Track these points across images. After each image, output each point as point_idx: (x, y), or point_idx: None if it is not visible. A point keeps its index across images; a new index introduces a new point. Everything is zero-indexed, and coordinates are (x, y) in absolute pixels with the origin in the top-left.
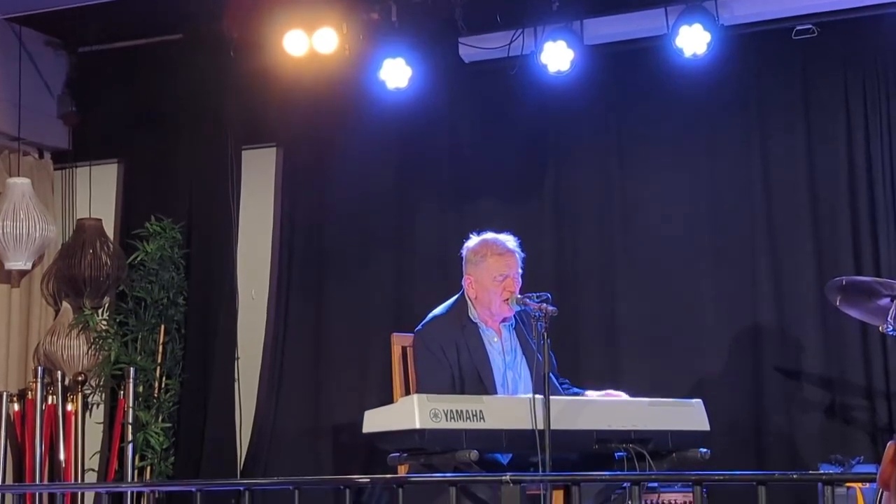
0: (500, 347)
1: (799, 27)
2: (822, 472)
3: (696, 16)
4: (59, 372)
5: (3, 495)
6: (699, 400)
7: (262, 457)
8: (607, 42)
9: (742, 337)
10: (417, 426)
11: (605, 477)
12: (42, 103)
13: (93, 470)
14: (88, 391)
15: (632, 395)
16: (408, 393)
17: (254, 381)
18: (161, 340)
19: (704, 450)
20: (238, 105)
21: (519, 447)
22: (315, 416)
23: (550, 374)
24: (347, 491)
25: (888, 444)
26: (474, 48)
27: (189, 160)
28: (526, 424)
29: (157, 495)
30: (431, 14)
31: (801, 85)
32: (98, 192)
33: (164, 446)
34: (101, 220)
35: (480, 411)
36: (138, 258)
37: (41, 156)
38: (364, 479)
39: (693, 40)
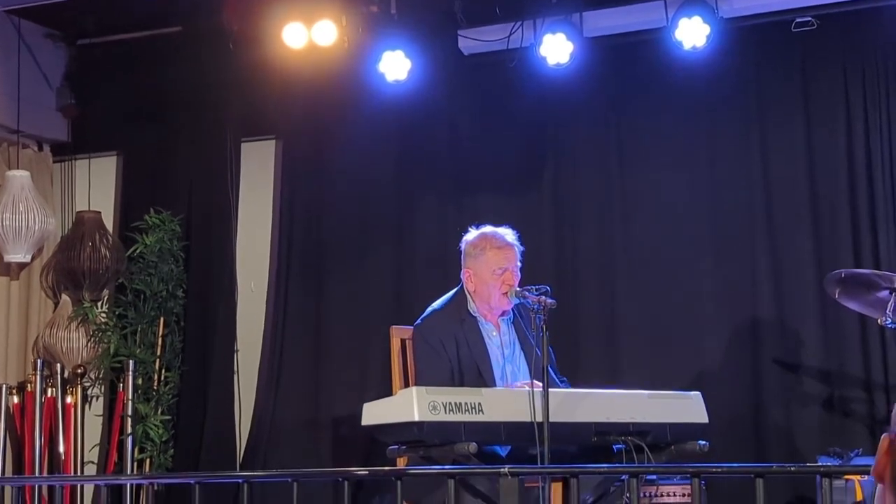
0: (499, 341)
1: (798, 19)
2: (819, 464)
3: (695, 8)
4: (59, 364)
5: (3, 487)
6: (698, 392)
7: (262, 449)
8: (607, 34)
9: (741, 329)
10: (416, 418)
11: (603, 469)
12: (41, 96)
13: (92, 462)
14: (88, 384)
15: (631, 388)
16: (407, 386)
17: (253, 374)
18: (160, 333)
19: (703, 442)
20: (237, 97)
21: (518, 439)
22: (314, 409)
23: (549, 368)
24: (346, 483)
25: (882, 437)
26: (473, 40)
27: (188, 153)
28: (525, 417)
29: (156, 487)
30: (430, 6)
31: (801, 77)
32: (97, 184)
33: (163, 439)
34: (100, 212)
35: (479, 404)
36: (137, 251)
37: (40, 148)
38: (363, 471)
39: (692, 33)
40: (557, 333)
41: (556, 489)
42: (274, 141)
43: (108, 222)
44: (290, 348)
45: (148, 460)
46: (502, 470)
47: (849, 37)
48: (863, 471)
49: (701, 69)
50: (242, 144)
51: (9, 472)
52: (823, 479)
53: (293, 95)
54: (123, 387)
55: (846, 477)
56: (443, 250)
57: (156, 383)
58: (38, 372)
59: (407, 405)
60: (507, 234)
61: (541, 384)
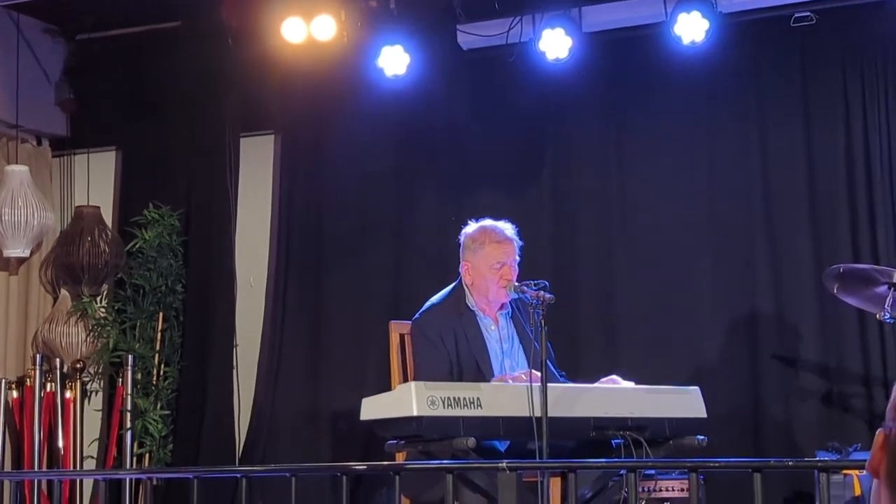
0: (498, 335)
1: (797, 14)
2: (817, 458)
3: (694, 3)
4: (58, 359)
5: (2, 482)
6: (696, 387)
7: (261, 444)
8: (606, 29)
9: (740, 324)
10: (415, 413)
11: (601, 464)
12: (40, 91)
13: (91, 457)
14: (87, 378)
15: (627, 377)
16: (406, 380)
17: (252, 369)
18: (159, 328)
19: (701, 437)
20: (236, 92)
21: (516, 434)
22: (313, 404)
23: (548, 363)
24: (344, 478)
25: (878, 432)
26: (473, 35)
27: (187, 147)
28: (523, 412)
29: (154, 482)
30: (429, 1)
31: (800, 72)
32: (96, 179)
33: (162, 433)
34: (99, 207)
35: (478, 398)
36: (137, 245)
37: (39, 143)
38: (361, 465)
39: (691, 28)
40: (556, 328)
41: (555, 484)
42: (273, 136)
43: (108, 217)
44: (289, 343)
45: (147, 455)
46: (500, 465)
47: (848, 31)
48: (861, 466)
49: (700, 64)
50: (241, 139)
51: (8, 467)
52: (821, 474)
53: (292, 90)
54: (122, 381)
55: (844, 472)
56: (441, 245)
57: (155, 378)
58: (38, 367)
59: (405, 400)
60: (507, 228)
61: (538, 373)
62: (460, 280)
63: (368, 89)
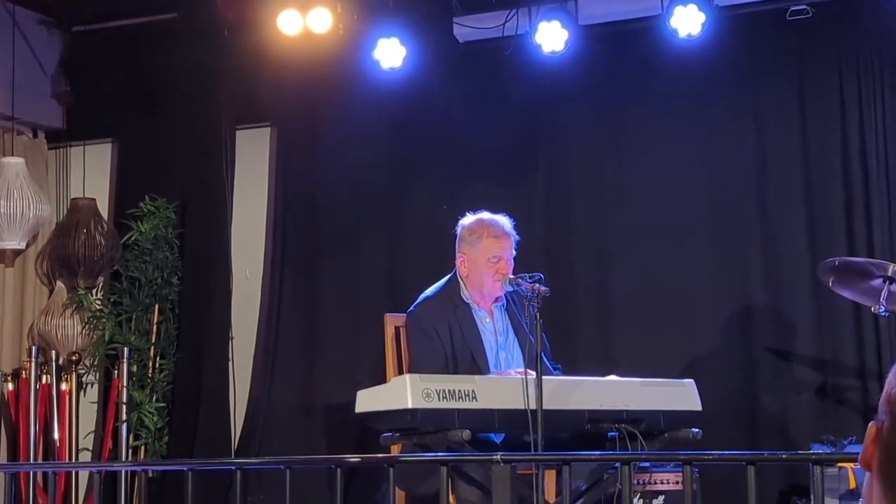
0: (493, 328)
1: (793, 7)
2: (812, 451)
3: None
4: (54, 351)
5: None
6: (691, 380)
7: (256, 436)
8: (602, 22)
9: (735, 317)
10: (410, 406)
11: (596, 457)
12: (36, 83)
13: (87, 449)
14: (82, 371)
15: (625, 376)
16: (401, 373)
17: (248, 361)
18: (155, 320)
19: (696, 430)
20: (232, 85)
21: (511, 427)
22: (309, 396)
23: (543, 356)
24: (339, 470)
25: (870, 425)
26: (469, 28)
27: (183, 140)
28: (518, 404)
29: (150, 474)
30: None
31: (796, 65)
32: (92, 171)
33: (158, 426)
34: (95, 199)
35: (473, 391)
36: (132, 238)
37: (35, 135)
38: (355, 458)
39: (688, 21)
40: (551, 321)
41: (550, 476)
42: (269, 128)
43: (103, 209)
44: (284, 335)
45: (143, 447)
46: (495, 457)
47: (844, 24)
48: (855, 459)
49: (696, 57)
50: (237, 131)
51: (3, 459)
52: (816, 467)
53: (288, 82)
54: (118, 374)
55: (839, 465)
56: (437, 237)
57: (150, 370)
58: (33, 359)
59: (400, 392)
60: (505, 223)
61: (533, 373)
62: (455, 272)
63: (364, 82)
